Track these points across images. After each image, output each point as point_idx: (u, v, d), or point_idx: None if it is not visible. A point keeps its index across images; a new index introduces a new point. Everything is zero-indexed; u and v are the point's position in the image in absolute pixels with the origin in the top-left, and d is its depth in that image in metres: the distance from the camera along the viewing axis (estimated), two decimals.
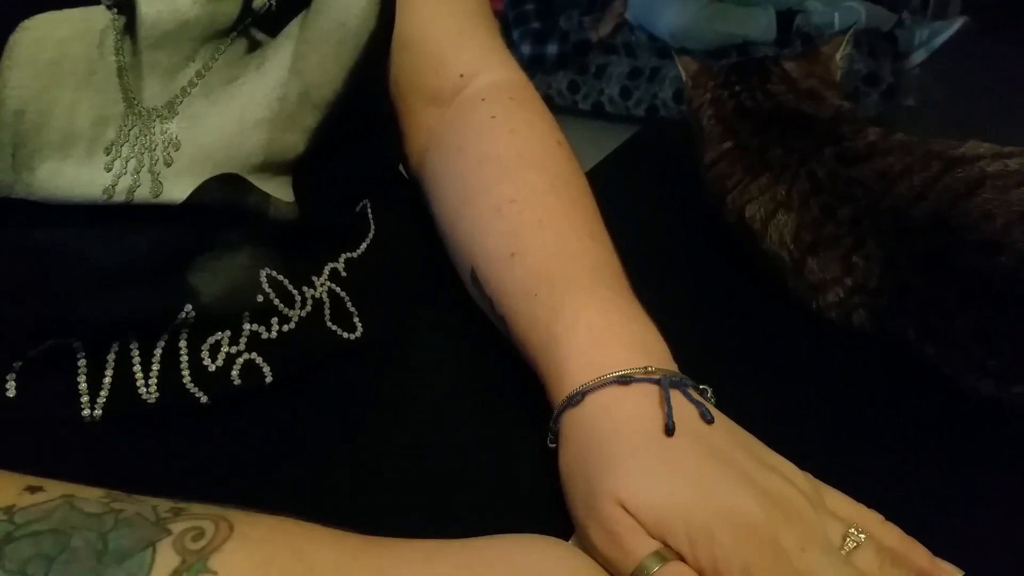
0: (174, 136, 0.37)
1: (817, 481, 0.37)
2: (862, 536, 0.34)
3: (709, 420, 0.36)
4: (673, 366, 0.39)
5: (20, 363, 0.36)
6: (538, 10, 2.59)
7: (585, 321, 0.40)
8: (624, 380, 0.37)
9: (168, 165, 0.37)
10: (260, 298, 0.42)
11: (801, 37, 2.31)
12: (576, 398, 0.38)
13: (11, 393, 0.36)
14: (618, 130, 0.47)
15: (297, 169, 0.43)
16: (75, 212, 0.35)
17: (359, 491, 0.39)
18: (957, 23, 2.33)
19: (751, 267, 0.55)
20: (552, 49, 2.55)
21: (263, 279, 0.42)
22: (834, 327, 0.50)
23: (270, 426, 0.42)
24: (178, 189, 0.37)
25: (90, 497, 0.29)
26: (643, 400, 0.37)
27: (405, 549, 0.31)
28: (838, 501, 0.36)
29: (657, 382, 0.37)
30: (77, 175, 0.34)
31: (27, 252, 0.35)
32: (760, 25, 2.37)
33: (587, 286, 0.42)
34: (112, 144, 0.35)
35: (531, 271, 0.43)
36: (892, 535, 0.35)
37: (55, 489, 0.29)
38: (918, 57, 2.35)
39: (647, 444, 0.35)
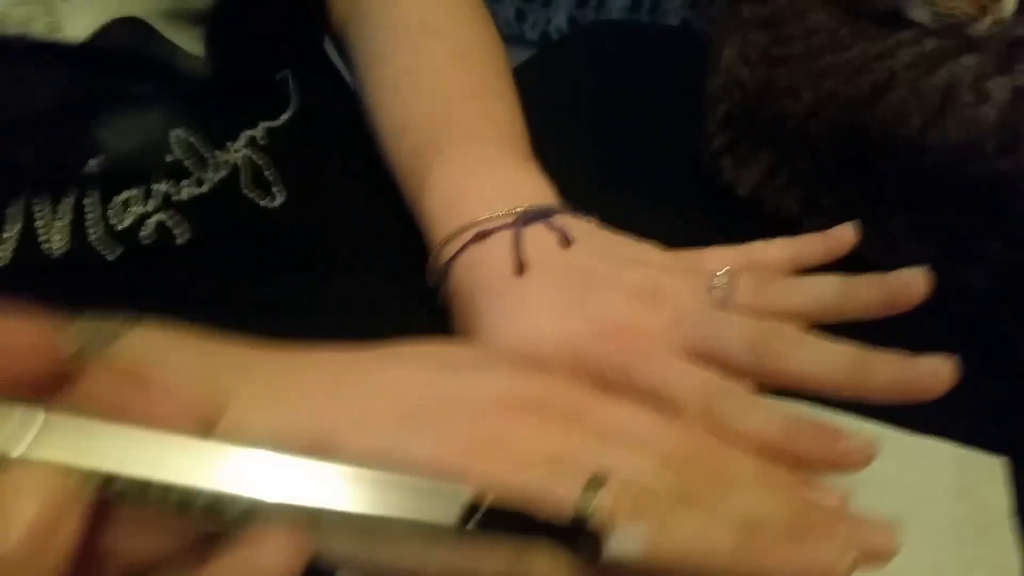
0: None
1: (688, 251, 0.37)
2: (724, 278, 0.34)
3: (568, 243, 0.36)
4: (547, 199, 0.38)
5: None
6: None
7: (445, 186, 0.40)
8: (482, 235, 0.37)
9: None
10: (170, 157, 0.39)
11: None
12: (445, 268, 0.38)
13: None
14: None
15: (210, 23, 0.40)
16: None
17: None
18: None
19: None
20: None
21: (174, 139, 0.40)
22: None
23: (179, 285, 0.40)
24: (78, 27, 0.34)
25: None
26: (499, 248, 0.36)
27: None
28: (709, 256, 0.37)
29: (512, 224, 0.36)
30: None
31: None
32: None
33: (453, 149, 0.41)
34: None
35: (412, 145, 0.43)
36: (774, 249, 0.36)
37: None
38: None
39: (503, 290, 0.35)
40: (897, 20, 0.44)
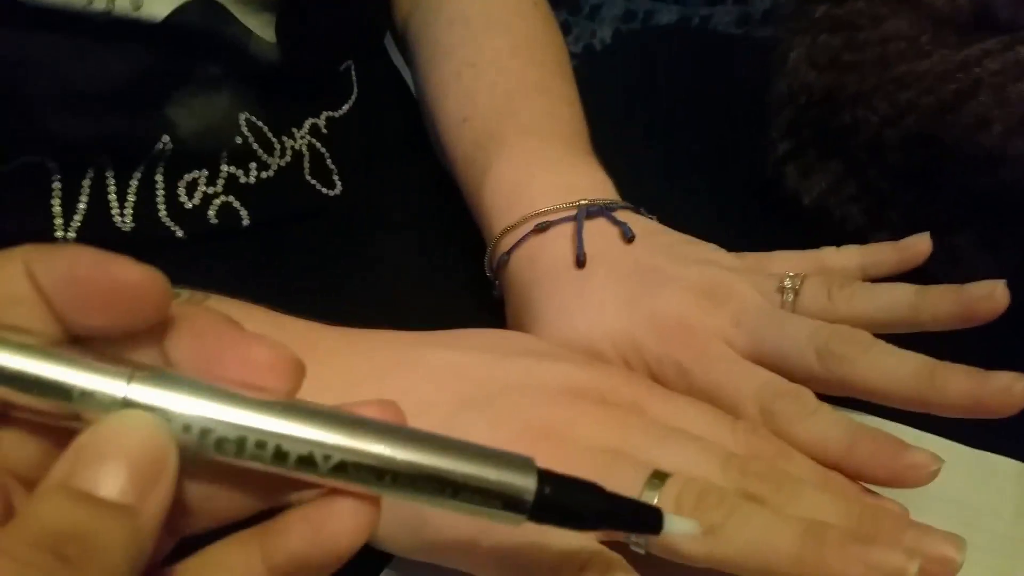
0: None
1: (756, 254, 0.37)
2: (792, 281, 0.34)
3: (630, 238, 0.36)
4: (607, 195, 0.39)
5: None
6: None
7: (506, 178, 0.40)
8: (542, 227, 0.37)
9: None
10: (238, 140, 0.40)
11: None
12: (504, 259, 0.38)
13: None
14: None
15: (281, 10, 0.41)
16: (52, 21, 0.33)
17: None
18: None
19: None
20: None
21: (242, 122, 0.40)
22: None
23: (244, 267, 0.40)
24: (158, 6, 0.35)
25: None
26: (560, 241, 0.36)
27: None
28: (777, 259, 0.36)
29: (573, 217, 0.37)
30: None
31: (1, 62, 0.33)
32: None
33: (516, 142, 0.41)
34: None
35: (474, 136, 0.43)
36: (844, 256, 0.36)
37: None
38: None
39: (563, 283, 0.35)
40: (981, 28, 0.42)
